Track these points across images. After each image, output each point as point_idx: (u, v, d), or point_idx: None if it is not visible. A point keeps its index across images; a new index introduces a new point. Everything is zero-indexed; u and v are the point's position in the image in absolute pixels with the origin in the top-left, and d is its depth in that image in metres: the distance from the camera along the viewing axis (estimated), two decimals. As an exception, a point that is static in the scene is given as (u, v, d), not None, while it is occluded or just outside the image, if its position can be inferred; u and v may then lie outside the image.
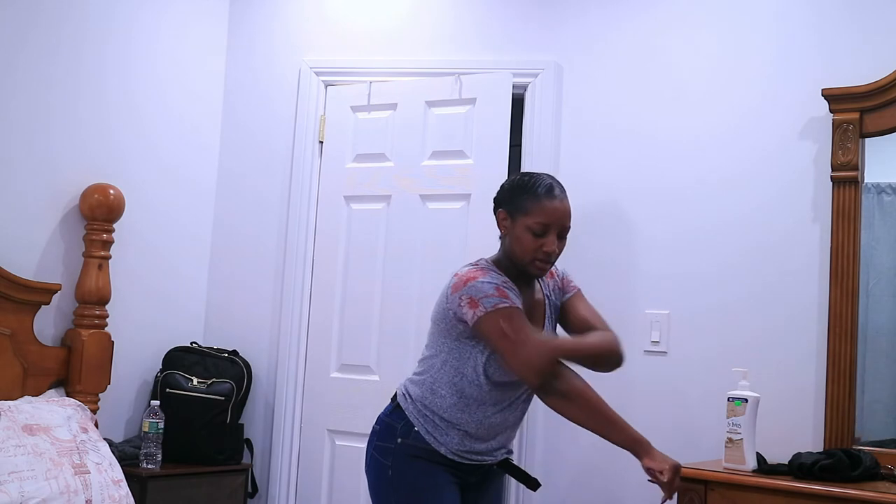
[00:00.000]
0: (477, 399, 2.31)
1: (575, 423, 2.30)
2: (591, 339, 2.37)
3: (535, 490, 2.49)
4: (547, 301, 2.46)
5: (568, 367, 2.28)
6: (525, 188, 2.34)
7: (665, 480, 2.18)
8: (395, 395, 2.44)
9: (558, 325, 2.51)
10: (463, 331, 2.30)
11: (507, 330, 2.21)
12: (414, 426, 2.34)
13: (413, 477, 2.32)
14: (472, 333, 2.28)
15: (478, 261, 2.40)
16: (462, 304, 2.26)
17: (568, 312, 2.48)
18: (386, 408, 2.44)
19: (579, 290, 2.51)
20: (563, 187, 2.37)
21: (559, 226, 2.32)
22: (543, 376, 2.23)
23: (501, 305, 2.23)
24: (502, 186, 2.43)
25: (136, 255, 3.59)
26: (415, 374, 2.43)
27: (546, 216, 2.29)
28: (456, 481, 2.35)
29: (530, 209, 2.30)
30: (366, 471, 2.42)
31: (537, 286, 2.46)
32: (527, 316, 2.35)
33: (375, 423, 2.44)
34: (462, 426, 2.32)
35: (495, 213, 2.41)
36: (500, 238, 2.41)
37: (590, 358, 2.34)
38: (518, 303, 2.27)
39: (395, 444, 2.35)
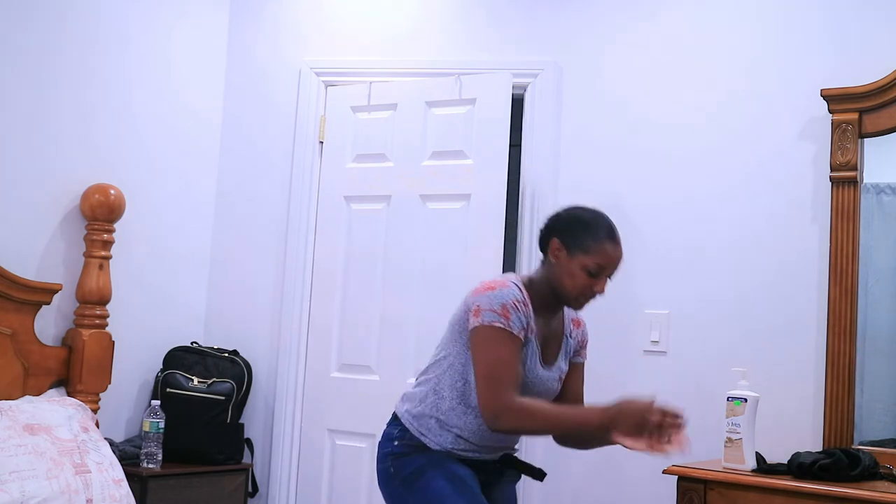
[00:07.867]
0: (476, 407, 2.29)
1: (535, 435, 2.33)
2: (567, 412, 2.29)
3: (541, 480, 2.46)
4: (565, 339, 2.44)
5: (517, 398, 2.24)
6: (588, 226, 2.31)
7: (659, 445, 2.13)
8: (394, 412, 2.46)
9: None
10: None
11: (487, 355, 2.21)
12: (409, 430, 2.35)
13: (414, 461, 2.33)
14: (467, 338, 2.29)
15: (508, 273, 2.39)
16: (471, 308, 2.27)
17: (566, 375, 2.46)
18: (387, 423, 2.46)
19: (585, 361, 2.51)
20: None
21: (613, 269, 2.32)
22: (495, 423, 2.21)
23: (497, 324, 2.21)
24: (559, 215, 2.38)
25: (136, 255, 3.59)
26: (416, 380, 2.44)
27: (605, 259, 2.28)
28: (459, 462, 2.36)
29: (591, 249, 2.28)
30: (379, 487, 2.43)
31: (562, 317, 2.44)
32: (541, 343, 2.35)
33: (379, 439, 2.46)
34: (457, 430, 2.32)
35: (546, 240, 2.35)
36: (543, 261, 2.37)
37: (558, 429, 2.31)
38: (517, 328, 2.23)
39: (391, 446, 2.37)
